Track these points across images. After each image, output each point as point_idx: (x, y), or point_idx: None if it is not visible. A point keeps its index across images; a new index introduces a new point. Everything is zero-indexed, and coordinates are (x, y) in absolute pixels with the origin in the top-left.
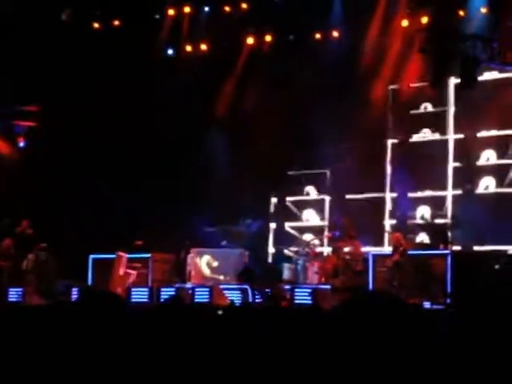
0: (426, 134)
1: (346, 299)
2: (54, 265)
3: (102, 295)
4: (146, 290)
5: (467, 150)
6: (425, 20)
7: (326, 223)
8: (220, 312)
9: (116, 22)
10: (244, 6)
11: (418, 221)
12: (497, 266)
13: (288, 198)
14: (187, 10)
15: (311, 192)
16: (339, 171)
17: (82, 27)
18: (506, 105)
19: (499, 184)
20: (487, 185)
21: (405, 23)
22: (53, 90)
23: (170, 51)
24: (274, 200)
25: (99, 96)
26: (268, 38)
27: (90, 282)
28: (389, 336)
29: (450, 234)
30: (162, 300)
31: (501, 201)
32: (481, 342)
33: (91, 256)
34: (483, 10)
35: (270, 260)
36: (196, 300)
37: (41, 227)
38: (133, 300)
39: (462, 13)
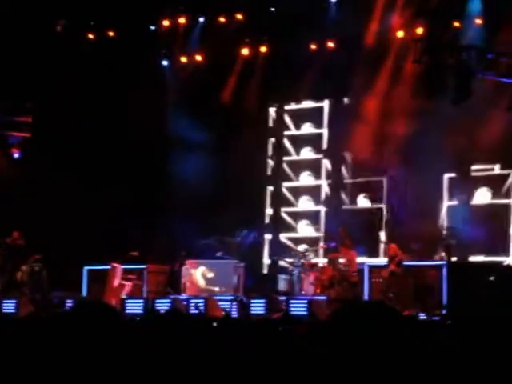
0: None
1: (336, 310)
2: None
3: (96, 306)
4: (140, 301)
5: (462, 161)
6: (420, 31)
7: (321, 234)
8: (215, 324)
9: (110, 33)
10: (239, 16)
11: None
12: (492, 278)
13: (283, 209)
14: (182, 21)
15: (307, 203)
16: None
17: (76, 38)
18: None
19: (494, 195)
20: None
21: (400, 34)
22: (46, 100)
23: (165, 62)
24: (269, 211)
25: (93, 106)
26: (263, 49)
27: (84, 293)
28: (380, 346)
29: (446, 244)
30: (156, 311)
31: (494, 212)
32: (476, 353)
33: (86, 267)
34: (478, 21)
35: (265, 271)
36: (191, 311)
37: (35, 238)
38: (127, 311)
39: (457, 24)
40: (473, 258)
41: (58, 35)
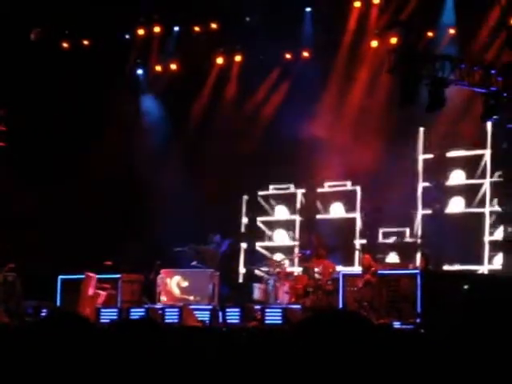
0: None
1: (305, 319)
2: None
3: (68, 316)
4: (115, 310)
5: (437, 170)
6: (394, 41)
7: (296, 243)
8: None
9: (85, 42)
10: (214, 26)
11: (388, 240)
12: (466, 286)
13: (259, 218)
14: (157, 30)
15: (282, 212)
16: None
17: (50, 46)
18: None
19: (468, 204)
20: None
21: (374, 44)
22: (19, 109)
23: (140, 71)
24: (244, 220)
25: (68, 115)
26: (238, 58)
27: (58, 302)
28: (348, 354)
29: (420, 253)
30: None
31: (468, 220)
32: (450, 360)
33: (60, 277)
34: (451, 31)
35: (240, 280)
36: (166, 320)
37: (9, 247)
38: (102, 321)
39: (431, 34)
40: (447, 267)
41: (33, 43)
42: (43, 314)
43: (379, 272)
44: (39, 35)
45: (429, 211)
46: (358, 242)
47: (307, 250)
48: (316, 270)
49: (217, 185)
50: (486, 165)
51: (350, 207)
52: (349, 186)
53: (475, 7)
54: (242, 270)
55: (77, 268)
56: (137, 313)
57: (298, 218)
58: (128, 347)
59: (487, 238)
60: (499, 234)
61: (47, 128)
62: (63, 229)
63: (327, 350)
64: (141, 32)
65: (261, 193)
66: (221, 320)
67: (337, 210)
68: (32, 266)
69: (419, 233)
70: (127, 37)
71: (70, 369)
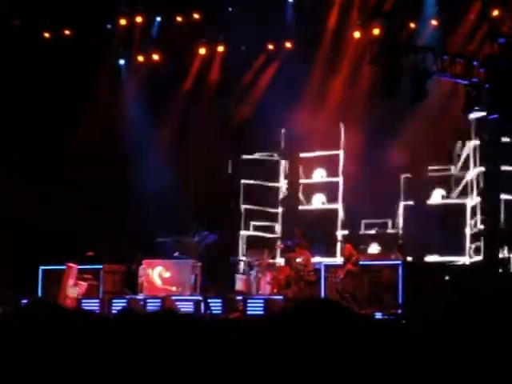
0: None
1: (285, 309)
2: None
3: (47, 306)
4: (96, 301)
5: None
6: (376, 32)
7: (278, 234)
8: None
9: (66, 32)
10: (196, 16)
11: (370, 231)
12: (447, 277)
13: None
14: (139, 20)
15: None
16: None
17: (32, 36)
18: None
19: (449, 195)
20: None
21: (357, 35)
22: None
23: (122, 61)
24: (228, 211)
25: (49, 105)
26: (220, 49)
27: (39, 293)
28: (327, 343)
29: (399, 244)
30: (113, 312)
31: (450, 211)
32: (430, 352)
33: (41, 267)
34: (434, 23)
35: (222, 271)
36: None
37: None
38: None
39: (413, 25)
40: (428, 258)
41: (13, 33)
42: (23, 304)
43: (361, 263)
44: (20, 25)
45: (411, 202)
46: (340, 233)
47: (289, 241)
48: (298, 260)
49: (202, 175)
50: (468, 157)
51: (332, 198)
52: (330, 177)
53: None
54: (223, 260)
55: (58, 258)
56: (118, 303)
57: (280, 210)
58: (109, 338)
59: (469, 230)
60: (480, 226)
61: (27, 119)
62: (45, 219)
63: (307, 340)
64: (123, 22)
65: (244, 181)
66: (203, 311)
67: (319, 201)
68: (13, 256)
69: (401, 224)
70: (109, 26)
71: (49, 359)
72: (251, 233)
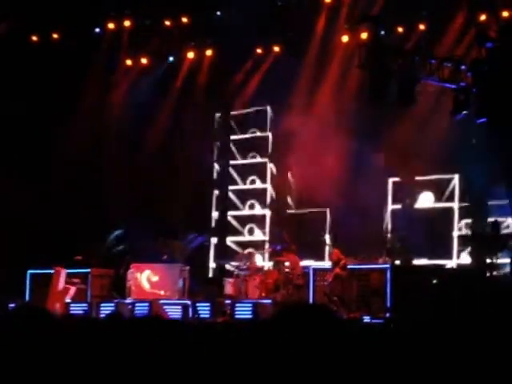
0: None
1: (276, 312)
2: None
3: (34, 311)
4: (84, 305)
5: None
6: (365, 36)
7: (267, 238)
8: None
9: (55, 36)
10: (185, 20)
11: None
12: (435, 281)
13: (230, 213)
14: (127, 23)
15: (253, 207)
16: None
17: (19, 40)
18: None
19: (437, 198)
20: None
21: (345, 39)
22: None
23: (111, 65)
24: (215, 215)
25: (38, 108)
26: (209, 53)
27: (27, 297)
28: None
29: (389, 247)
30: (101, 316)
31: (437, 215)
32: (419, 355)
33: (29, 271)
34: (422, 27)
35: (210, 275)
36: (136, 315)
37: None
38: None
39: (401, 29)
40: (416, 261)
41: (1, 37)
42: (10, 308)
43: (349, 266)
44: (8, 28)
45: (398, 206)
46: (329, 237)
47: (278, 245)
48: (286, 264)
49: (190, 178)
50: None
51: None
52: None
53: (445, 3)
54: (212, 264)
55: (46, 262)
56: (106, 307)
57: (268, 213)
58: (95, 343)
59: (456, 233)
60: (466, 229)
61: (15, 122)
62: (33, 222)
63: (294, 345)
64: (111, 25)
65: (231, 187)
66: (191, 315)
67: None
68: (1, 259)
69: (389, 227)
70: (97, 30)
71: (36, 364)
72: (239, 238)
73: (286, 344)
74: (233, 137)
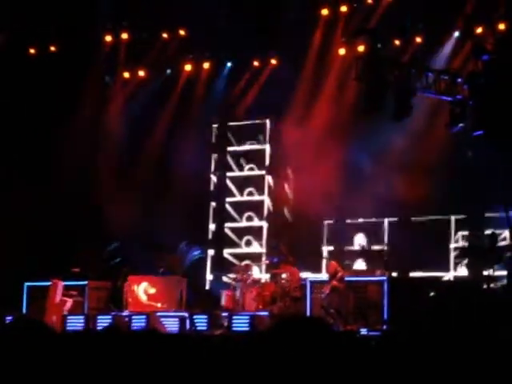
0: None
1: (272, 325)
2: None
3: (31, 324)
4: (81, 317)
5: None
6: (361, 48)
7: (264, 250)
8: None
9: (52, 48)
10: (182, 32)
11: (355, 247)
12: (432, 293)
13: (227, 225)
14: (125, 36)
15: (251, 218)
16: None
17: (17, 52)
18: None
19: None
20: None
21: (342, 51)
22: None
23: (108, 78)
24: (212, 227)
25: (35, 120)
26: (206, 65)
27: (24, 309)
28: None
29: (387, 260)
30: (98, 328)
31: (435, 227)
32: (416, 367)
33: (26, 283)
34: (418, 40)
35: (207, 287)
36: (133, 328)
37: None
38: (68, 328)
39: (397, 42)
40: (413, 274)
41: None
42: (7, 321)
43: (346, 279)
44: (6, 41)
45: (395, 218)
46: (326, 249)
47: (275, 257)
48: (283, 276)
49: (184, 192)
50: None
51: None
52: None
53: (441, 16)
54: (209, 276)
55: (43, 275)
56: (103, 320)
57: (265, 225)
58: (93, 356)
59: (453, 245)
60: (463, 241)
61: (14, 135)
62: (30, 234)
63: (290, 358)
64: (108, 38)
65: (229, 199)
66: (188, 327)
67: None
68: None
69: (386, 240)
70: (95, 43)
71: (32, 377)
72: (236, 250)
73: (282, 357)
74: (230, 148)
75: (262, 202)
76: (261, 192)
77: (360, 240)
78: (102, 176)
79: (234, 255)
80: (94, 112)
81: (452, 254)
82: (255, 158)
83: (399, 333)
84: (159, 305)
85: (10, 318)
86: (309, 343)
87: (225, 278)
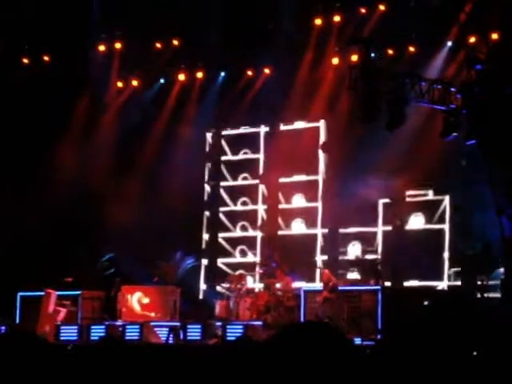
0: None
1: (276, 333)
2: None
3: (24, 336)
4: (75, 327)
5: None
6: (355, 58)
7: (257, 259)
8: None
9: (45, 58)
10: (175, 42)
11: (349, 257)
12: (426, 302)
13: (220, 235)
14: (118, 45)
15: (245, 228)
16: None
17: (10, 61)
18: None
19: (428, 220)
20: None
21: (335, 61)
22: None
23: (101, 87)
24: (205, 236)
25: (28, 129)
26: (199, 75)
27: (18, 319)
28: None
29: (380, 269)
30: (92, 338)
31: (429, 237)
32: (410, 375)
33: (19, 293)
34: (412, 49)
35: (201, 296)
36: (127, 338)
37: None
38: (62, 338)
39: (391, 51)
40: (407, 283)
41: None
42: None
43: (340, 288)
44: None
45: (389, 228)
46: (320, 258)
47: (268, 268)
48: (277, 286)
49: (178, 201)
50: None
51: (311, 224)
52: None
53: (435, 26)
54: (202, 286)
55: (37, 285)
56: (97, 330)
57: (259, 234)
58: (87, 367)
59: (447, 254)
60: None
61: (5, 144)
62: (23, 245)
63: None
64: (102, 48)
65: (222, 209)
66: (182, 337)
67: (298, 227)
68: None
69: (380, 249)
70: (88, 52)
71: None
72: (230, 259)
73: (276, 365)
74: (224, 158)
75: (255, 212)
76: (255, 201)
77: (354, 249)
78: (96, 186)
79: (228, 265)
80: (87, 121)
81: (446, 263)
82: (249, 167)
83: (393, 342)
84: (153, 314)
85: (3, 328)
86: (304, 351)
87: (218, 288)
